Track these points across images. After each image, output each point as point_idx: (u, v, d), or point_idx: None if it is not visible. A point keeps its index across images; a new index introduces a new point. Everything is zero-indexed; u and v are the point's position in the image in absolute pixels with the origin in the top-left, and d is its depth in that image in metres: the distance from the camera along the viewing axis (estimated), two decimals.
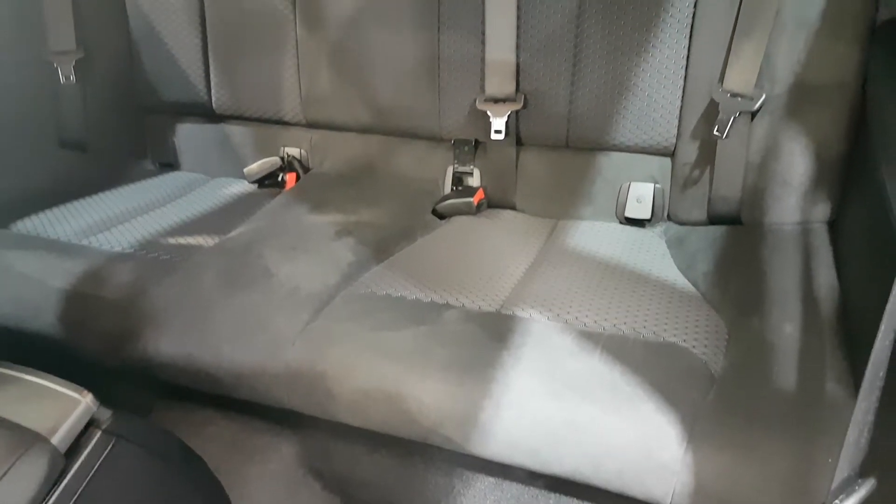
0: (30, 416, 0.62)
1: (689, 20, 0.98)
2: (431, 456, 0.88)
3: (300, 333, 0.84)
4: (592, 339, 0.77)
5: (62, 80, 1.28)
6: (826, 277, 0.82)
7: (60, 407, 0.64)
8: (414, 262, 1.00)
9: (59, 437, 0.61)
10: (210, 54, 1.29)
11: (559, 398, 0.69)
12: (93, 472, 0.63)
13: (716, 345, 0.76)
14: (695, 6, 0.97)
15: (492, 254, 1.03)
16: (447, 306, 0.86)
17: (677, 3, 0.98)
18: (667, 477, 0.64)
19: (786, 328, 0.74)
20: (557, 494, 0.83)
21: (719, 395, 0.68)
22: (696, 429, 0.64)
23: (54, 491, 0.59)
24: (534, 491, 0.84)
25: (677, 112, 1.02)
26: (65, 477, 0.60)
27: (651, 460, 0.65)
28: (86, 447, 0.64)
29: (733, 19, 0.93)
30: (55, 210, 1.17)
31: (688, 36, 0.99)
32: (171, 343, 0.88)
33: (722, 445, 0.63)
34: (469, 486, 0.87)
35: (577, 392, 0.69)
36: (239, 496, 0.88)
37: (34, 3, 1.26)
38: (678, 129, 1.03)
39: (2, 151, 1.30)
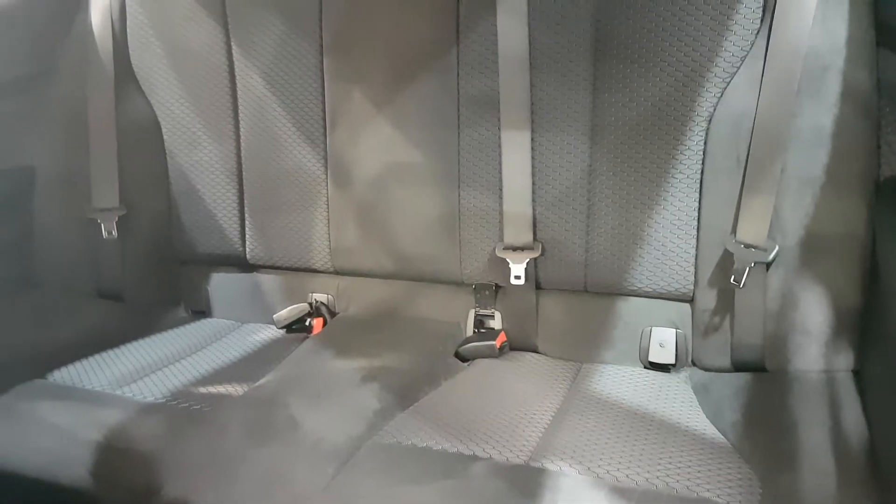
0: None
1: (698, 176, 1.04)
2: None
3: (324, 490, 0.83)
4: (626, 495, 0.75)
5: (104, 234, 1.37)
6: (855, 428, 0.82)
7: None
8: (439, 409, 1.01)
9: None
10: (246, 209, 1.38)
11: None
12: None
13: (749, 500, 0.74)
14: (702, 163, 1.04)
15: (517, 399, 1.03)
16: (474, 458, 0.86)
17: (685, 161, 1.05)
18: None
19: (819, 483, 0.73)
20: None
21: None
22: None
23: None
24: None
25: (693, 261, 1.07)
26: None
27: None
28: None
29: (741, 176, 0.99)
30: (91, 359, 1.21)
31: (697, 190, 1.05)
32: (196, 498, 0.87)
33: None
34: None
35: None
36: None
37: (81, 163, 1.38)
38: (695, 277, 1.07)
39: (43, 303, 1.37)
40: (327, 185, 1.32)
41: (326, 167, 1.31)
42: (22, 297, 1.32)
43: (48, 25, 1.39)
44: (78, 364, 1.19)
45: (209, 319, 1.45)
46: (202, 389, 1.11)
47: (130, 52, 1.38)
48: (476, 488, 0.79)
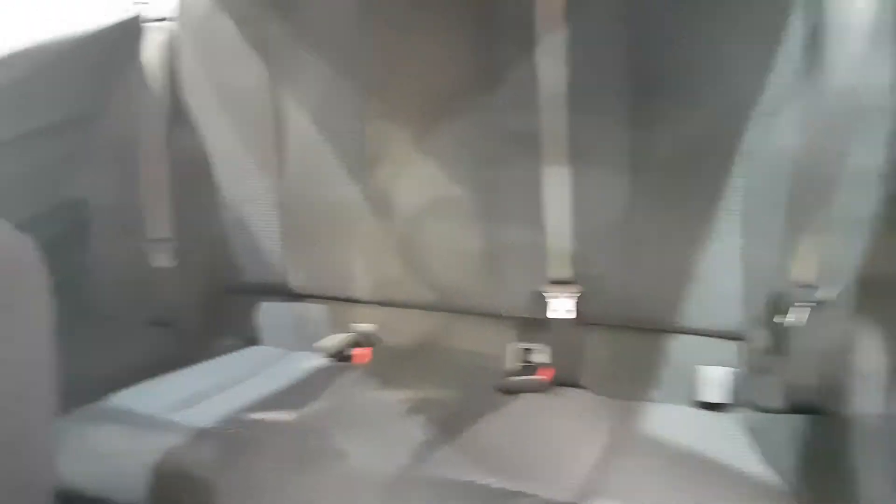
0: None
1: (741, 213, 1.05)
2: None
3: None
4: None
5: (157, 264, 1.42)
6: None
7: None
8: (483, 443, 1.01)
9: None
10: (291, 241, 1.42)
11: None
12: None
13: None
14: (745, 200, 1.04)
15: (562, 436, 1.04)
16: (520, 494, 0.86)
17: (727, 198, 1.05)
18: None
19: None
20: None
21: None
22: None
23: None
24: None
25: (739, 297, 1.06)
26: None
27: None
28: None
29: (787, 214, 0.99)
30: (146, 385, 1.25)
31: (741, 227, 1.05)
32: None
33: None
34: None
35: None
36: None
37: (134, 196, 1.44)
38: (745, 315, 1.06)
39: (100, 331, 1.42)
40: (368, 219, 1.35)
41: (367, 201, 1.35)
42: (80, 326, 1.37)
43: (103, 63, 1.45)
44: (133, 389, 1.23)
45: (257, 347, 1.48)
46: (252, 416, 1.13)
47: (182, 88, 1.44)
48: None
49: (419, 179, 1.29)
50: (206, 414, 1.14)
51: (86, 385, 1.20)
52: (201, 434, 1.07)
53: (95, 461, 1.03)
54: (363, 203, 1.35)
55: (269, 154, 1.40)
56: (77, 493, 1.00)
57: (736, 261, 1.06)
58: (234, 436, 1.06)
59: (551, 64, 1.13)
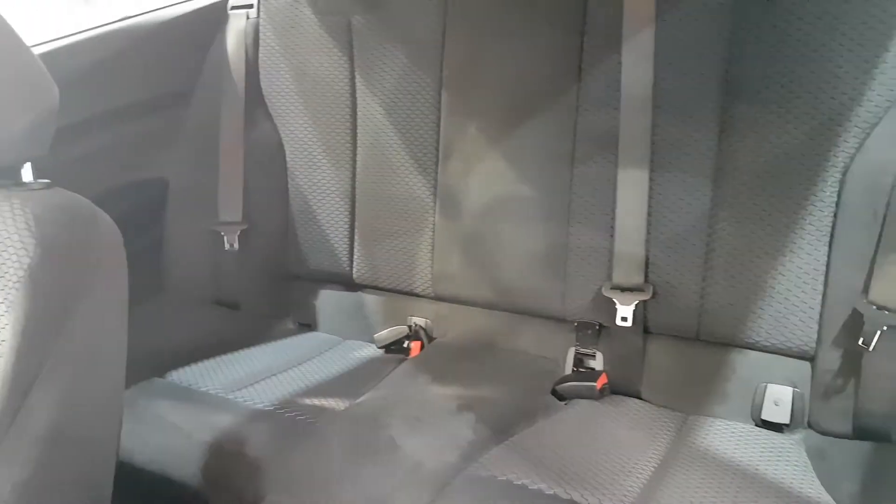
0: None
1: (829, 229, 0.99)
2: None
3: None
4: None
5: (226, 246, 1.46)
6: None
7: None
8: (535, 447, 1.00)
9: None
10: (356, 231, 1.44)
11: None
12: None
13: None
14: (834, 216, 0.99)
15: (618, 446, 1.01)
16: (572, 503, 0.85)
17: (815, 213, 1.00)
18: None
19: None
20: None
21: None
22: None
23: None
24: None
25: (817, 317, 1.01)
26: None
27: None
28: None
29: (877, 233, 0.94)
30: (206, 363, 1.28)
31: (827, 244, 1.00)
32: None
33: None
34: None
35: None
36: None
37: (210, 178, 1.48)
38: (819, 335, 1.01)
39: (166, 307, 1.47)
40: (435, 213, 1.35)
41: (436, 196, 1.34)
42: (148, 301, 1.43)
43: (188, 48, 1.51)
44: (194, 366, 1.26)
45: (314, 333, 1.50)
46: (307, 401, 1.15)
47: (261, 76, 1.48)
48: None
49: (490, 176, 1.28)
50: (262, 395, 1.16)
51: (147, 359, 1.25)
52: (256, 415, 1.09)
53: (153, 435, 1.07)
54: (431, 197, 1.35)
55: (343, 145, 1.42)
56: (134, 464, 1.04)
57: (817, 278, 1.01)
58: (288, 419, 1.08)
59: (637, 65, 1.10)
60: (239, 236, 1.46)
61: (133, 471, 1.05)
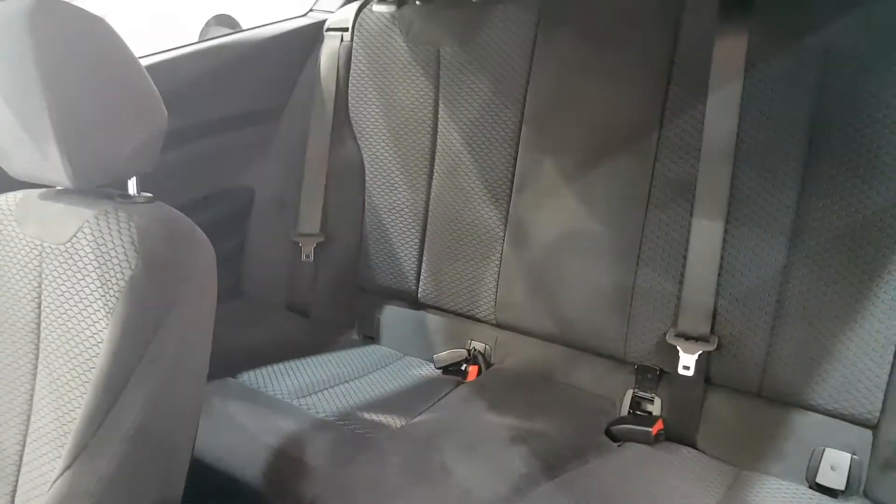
0: None
1: None
2: None
3: None
4: None
5: (303, 257, 1.54)
6: None
7: None
8: (586, 488, 1.01)
9: None
10: (425, 252, 1.48)
11: None
12: None
13: None
14: None
15: (669, 494, 1.01)
16: None
17: (892, 281, 0.98)
18: None
19: None
20: None
21: None
22: None
23: None
24: None
25: (884, 386, 0.99)
26: None
27: None
28: None
29: None
30: (275, 367, 1.35)
31: None
32: None
33: None
34: None
35: None
36: None
37: (294, 191, 1.57)
38: (883, 404, 0.99)
39: (242, 310, 1.56)
40: (504, 243, 1.38)
41: (506, 226, 1.37)
42: (228, 302, 1.52)
43: (285, 66, 1.60)
44: (264, 369, 1.34)
45: (377, 346, 1.56)
46: (365, 415, 1.20)
47: (349, 96, 1.55)
48: None
49: (561, 212, 1.30)
50: (325, 405, 1.22)
51: (221, 359, 1.32)
52: (318, 424, 1.15)
53: (223, 434, 1.14)
54: (502, 227, 1.38)
55: (420, 169, 1.48)
56: (204, 462, 1.11)
57: (888, 347, 0.98)
58: (347, 431, 1.13)
59: (722, 116, 1.10)
60: (315, 248, 1.53)
61: (202, 468, 1.12)
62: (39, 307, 0.79)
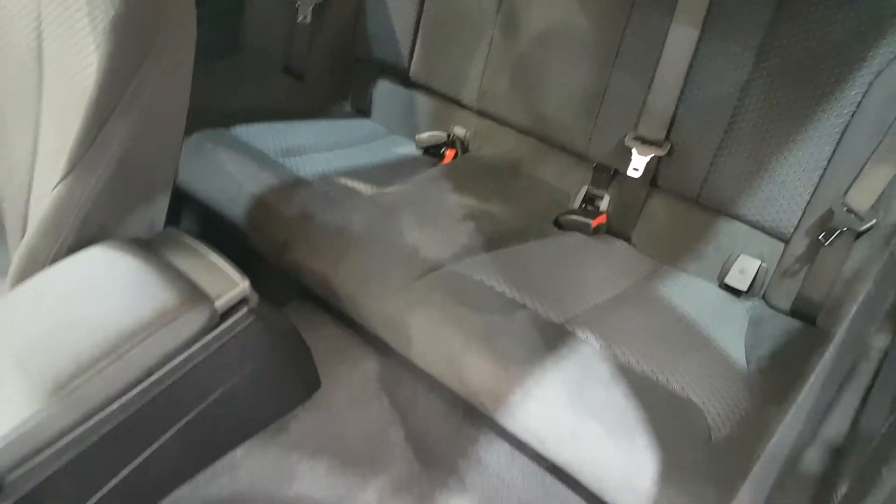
0: (204, 281, 0.85)
1: (842, 129, 1.02)
2: (469, 411, 1.09)
3: (404, 290, 1.04)
4: (626, 375, 0.89)
5: (299, 18, 1.56)
6: (851, 402, 0.87)
7: (226, 282, 0.86)
8: (513, 260, 1.15)
9: (220, 304, 0.84)
10: (420, 28, 1.50)
11: (575, 409, 0.84)
12: (233, 334, 0.87)
13: (728, 417, 0.85)
14: (851, 117, 1.01)
15: (586, 274, 1.16)
16: (522, 307, 1.02)
17: (836, 110, 1.02)
18: (635, 500, 0.77)
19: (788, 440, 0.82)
20: (552, 477, 1.01)
21: (708, 457, 0.79)
22: (673, 474, 0.76)
23: (204, 338, 0.84)
24: (535, 468, 1.03)
25: (804, 205, 1.07)
26: (213, 331, 0.84)
27: (628, 482, 0.78)
28: (233, 316, 0.86)
29: (877, 142, 0.97)
30: (266, 125, 1.46)
31: (836, 142, 1.03)
32: (316, 261, 1.13)
33: (686, 495, 0.75)
34: (490, 444, 1.06)
35: (592, 410, 0.84)
36: (326, 386, 1.13)
37: None
38: (799, 221, 1.08)
39: (238, 66, 1.62)
40: (494, 30, 1.40)
41: (498, 13, 1.38)
42: (226, 58, 1.58)
43: None
44: (256, 125, 1.44)
45: (367, 121, 1.65)
46: (342, 180, 1.33)
47: None
48: (514, 330, 0.96)
49: (553, 5, 1.30)
50: (307, 166, 1.34)
51: (216, 111, 1.43)
52: (298, 182, 1.28)
53: (212, 178, 1.28)
54: (494, 13, 1.39)
55: None
56: (197, 198, 1.27)
57: (816, 172, 1.05)
58: (323, 192, 1.26)
59: None
60: (313, 9, 1.55)
61: (195, 203, 1.29)
62: (40, 37, 0.87)
